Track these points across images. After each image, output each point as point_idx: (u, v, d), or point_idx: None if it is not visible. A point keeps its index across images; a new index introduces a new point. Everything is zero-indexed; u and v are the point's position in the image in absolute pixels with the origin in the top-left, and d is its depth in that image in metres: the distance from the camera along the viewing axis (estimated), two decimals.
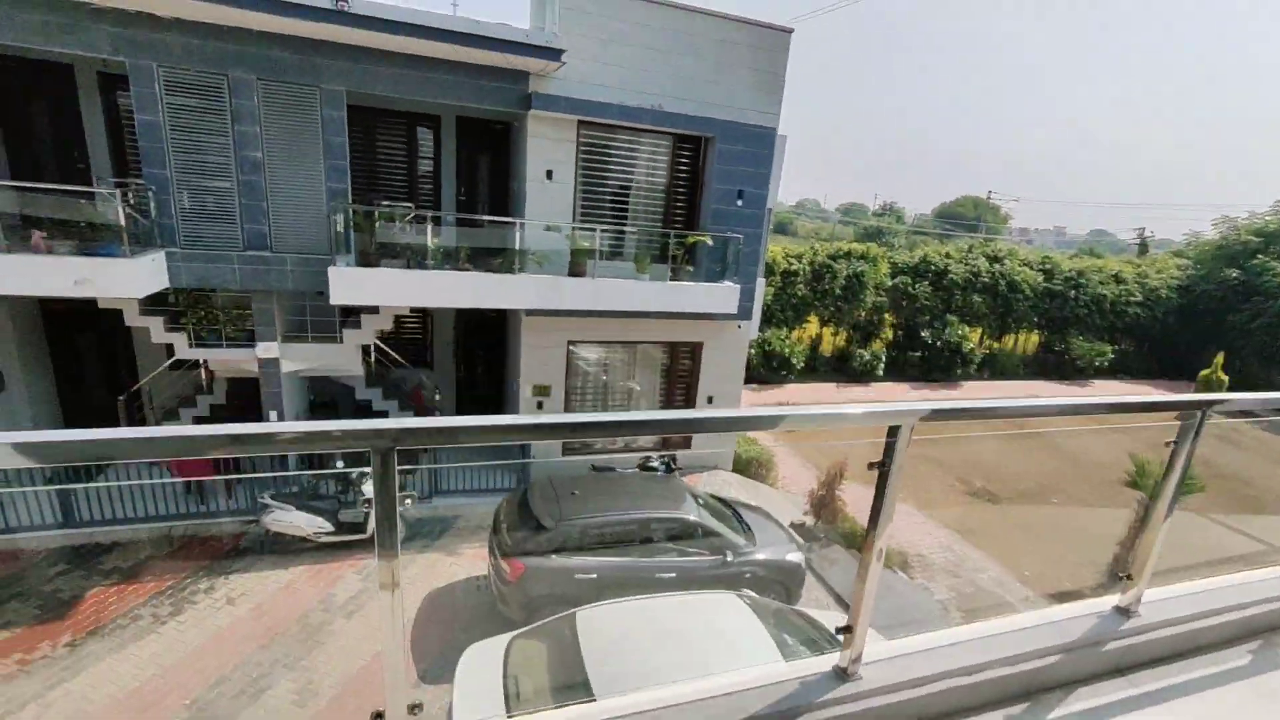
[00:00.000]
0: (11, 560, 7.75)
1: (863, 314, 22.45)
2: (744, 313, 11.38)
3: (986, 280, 23.37)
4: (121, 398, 9.80)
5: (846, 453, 16.55)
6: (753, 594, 6.61)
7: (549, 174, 9.76)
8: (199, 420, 10.24)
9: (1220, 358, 9.98)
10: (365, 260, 8.48)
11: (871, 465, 1.51)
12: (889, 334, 23.53)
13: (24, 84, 9.12)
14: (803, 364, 20.83)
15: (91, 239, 7.42)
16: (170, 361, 9.64)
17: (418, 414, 11.53)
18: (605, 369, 11.60)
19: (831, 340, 22.94)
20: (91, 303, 8.58)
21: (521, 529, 7.17)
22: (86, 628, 6.72)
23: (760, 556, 7.69)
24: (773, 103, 10.59)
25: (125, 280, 7.46)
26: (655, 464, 10.44)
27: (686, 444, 12.38)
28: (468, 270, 8.88)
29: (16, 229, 7.49)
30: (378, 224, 8.64)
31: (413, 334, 12.33)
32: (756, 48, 10.23)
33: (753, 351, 19.52)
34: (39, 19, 7.32)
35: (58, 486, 8.26)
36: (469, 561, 8.45)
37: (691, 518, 7.64)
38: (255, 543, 8.38)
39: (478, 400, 12.96)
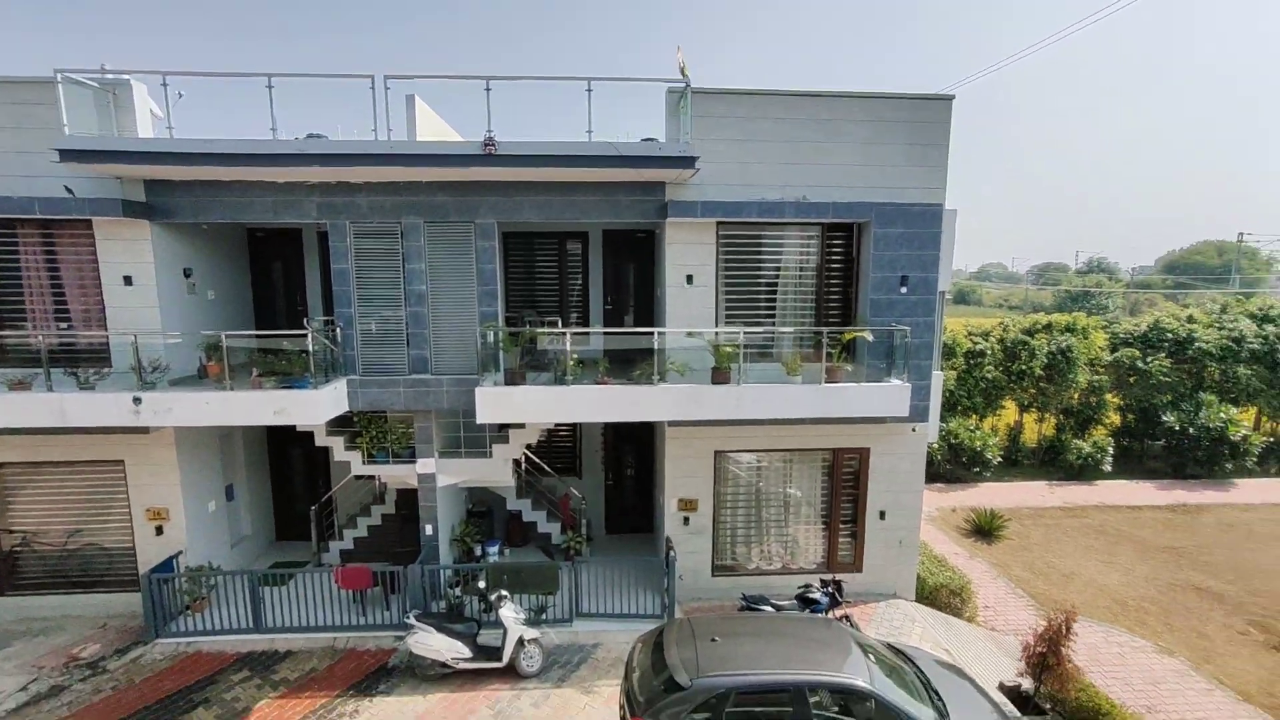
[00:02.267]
0: (215, 661, 8.59)
1: (1075, 396, 18.85)
2: (918, 413, 9.85)
3: (1256, 347, 18.52)
4: (314, 507, 10.97)
5: (1074, 569, 13.14)
6: None
7: (689, 278, 9.53)
8: (372, 528, 11.07)
9: None
10: (512, 378, 8.71)
11: None
12: (1114, 419, 19.42)
13: (268, 250, 11.29)
14: (999, 458, 17.78)
15: (288, 373, 8.50)
16: (352, 475, 10.63)
17: (564, 525, 11.42)
18: (760, 475, 10.62)
19: (1036, 429, 19.44)
20: (294, 426, 9.83)
21: (654, 680, 6.33)
22: None
23: None
24: (936, 177, 9.53)
25: (313, 408, 8.38)
26: (816, 594, 9.04)
27: (856, 565, 10.73)
28: (607, 384, 8.72)
29: (243, 369, 8.86)
30: (523, 342, 8.92)
31: (563, 443, 12.48)
32: (912, 122, 9.38)
33: (935, 445, 17.09)
34: (270, 199, 8.96)
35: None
36: (604, 705, 7.70)
37: (860, 683, 6.22)
38: (401, 661, 8.47)
39: (626, 511, 12.58)
